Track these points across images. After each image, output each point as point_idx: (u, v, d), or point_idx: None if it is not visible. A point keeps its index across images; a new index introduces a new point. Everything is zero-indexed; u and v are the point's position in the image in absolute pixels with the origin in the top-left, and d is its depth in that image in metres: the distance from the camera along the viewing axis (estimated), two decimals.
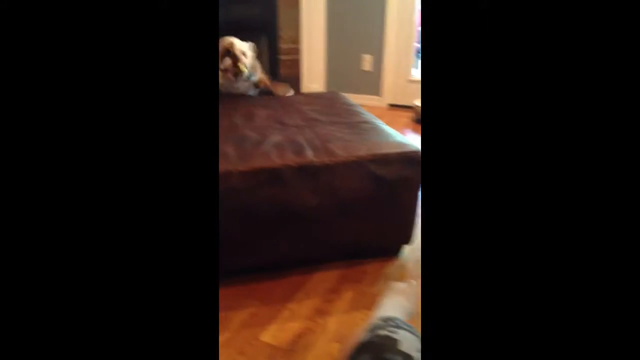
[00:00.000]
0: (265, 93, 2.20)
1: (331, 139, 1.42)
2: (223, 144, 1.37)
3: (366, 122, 1.59)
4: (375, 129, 1.52)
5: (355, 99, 2.28)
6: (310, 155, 1.28)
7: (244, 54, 1.95)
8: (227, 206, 1.19)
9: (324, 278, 1.37)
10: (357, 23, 3.21)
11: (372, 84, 3.44)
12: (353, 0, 3.13)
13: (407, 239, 1.44)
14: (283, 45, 2.97)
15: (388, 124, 1.67)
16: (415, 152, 1.33)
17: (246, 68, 1.96)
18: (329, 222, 1.31)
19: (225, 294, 1.31)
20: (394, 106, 3.44)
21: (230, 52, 1.92)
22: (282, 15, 2.89)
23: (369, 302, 1.25)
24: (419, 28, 3.95)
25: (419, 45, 3.25)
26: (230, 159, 1.26)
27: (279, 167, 1.22)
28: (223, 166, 1.20)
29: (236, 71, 1.93)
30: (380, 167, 1.29)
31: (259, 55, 2.16)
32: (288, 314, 1.22)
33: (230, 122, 1.62)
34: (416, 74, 3.34)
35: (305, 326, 1.18)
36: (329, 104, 1.87)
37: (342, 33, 3.32)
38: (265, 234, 1.27)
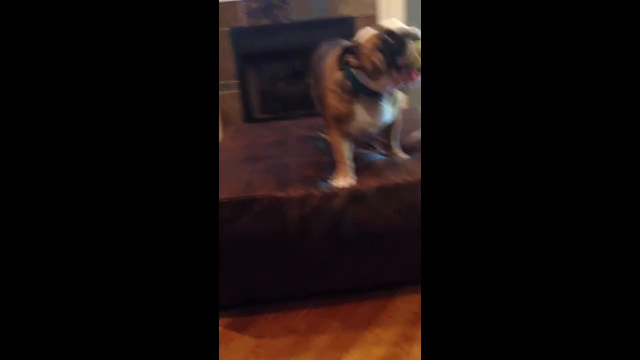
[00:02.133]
0: None
1: (409, 158, 1.38)
2: (303, 165, 1.39)
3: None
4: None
5: None
6: (390, 174, 1.25)
7: (408, 35, 1.06)
8: (308, 227, 1.20)
9: (410, 301, 1.31)
10: None
11: None
12: None
13: None
14: None
15: None
16: None
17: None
18: (413, 242, 1.25)
19: (305, 316, 1.31)
20: None
21: (394, 38, 1.06)
22: None
23: None
24: None
25: None
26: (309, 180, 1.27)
27: (359, 187, 1.21)
28: (303, 189, 1.22)
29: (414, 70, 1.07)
30: None
31: None
32: (372, 339, 1.18)
33: (299, 139, 1.65)
34: None
35: (392, 352, 1.13)
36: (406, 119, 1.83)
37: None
38: (348, 255, 1.25)
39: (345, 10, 2.86)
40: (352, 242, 1.23)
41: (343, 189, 1.22)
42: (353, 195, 1.20)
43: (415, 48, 1.05)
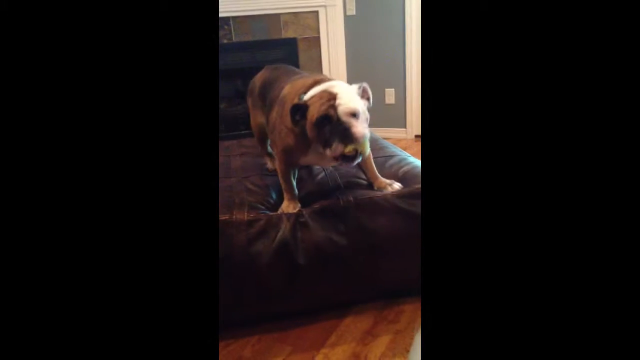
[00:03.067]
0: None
1: (355, 176, 1.40)
2: (247, 189, 1.37)
3: (392, 155, 1.57)
4: (402, 162, 1.49)
5: (380, 132, 2.28)
6: (334, 195, 1.26)
7: (354, 114, 1.05)
8: (255, 251, 1.18)
9: (359, 320, 1.32)
10: (377, 58, 3.25)
11: (396, 117, 3.44)
12: (372, 36, 3.19)
13: None
14: None
15: (415, 155, 1.65)
16: None
17: (368, 147, 1.08)
18: (360, 262, 1.27)
19: (256, 342, 1.27)
20: (420, 137, 3.42)
21: (333, 120, 1.04)
22: (303, 56, 2.97)
23: (408, 344, 1.19)
24: None
25: None
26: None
27: (304, 210, 1.21)
28: (248, 212, 1.20)
29: (351, 155, 1.04)
30: (410, 203, 1.26)
31: None
32: None
33: (243, 160, 1.64)
34: None
35: None
36: None
37: (363, 69, 3.36)
38: (298, 278, 1.24)
39: (288, 32, 2.91)
40: (301, 265, 1.22)
41: (288, 213, 1.22)
42: (298, 219, 1.20)
43: (359, 135, 1.02)
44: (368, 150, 1.08)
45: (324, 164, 1.30)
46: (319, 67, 3.08)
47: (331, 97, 1.05)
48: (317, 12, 2.91)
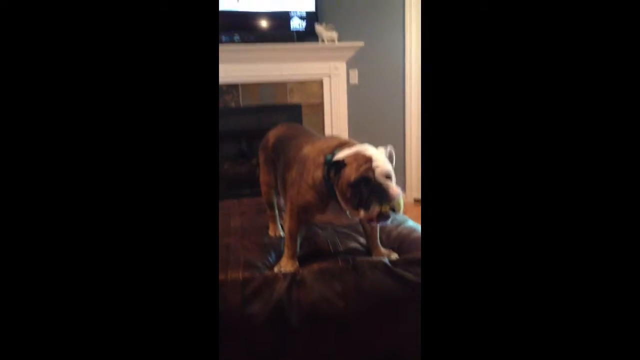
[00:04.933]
0: None
1: (354, 239, 1.40)
2: (245, 247, 1.37)
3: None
4: (400, 227, 1.49)
5: None
6: (332, 255, 1.25)
7: (389, 176, 1.09)
8: (249, 312, 1.15)
9: None
10: (378, 125, 3.36)
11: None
12: (373, 104, 3.32)
13: None
14: None
15: (414, 219, 1.65)
16: None
17: (402, 204, 1.10)
18: (355, 326, 1.23)
19: None
20: (419, 201, 3.44)
21: (371, 181, 1.06)
22: (307, 121, 3.07)
23: None
24: None
25: None
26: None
27: (301, 271, 1.19)
28: (244, 271, 1.18)
29: (387, 214, 1.07)
30: (408, 270, 1.24)
31: None
32: None
33: (243, 219, 1.64)
34: None
35: None
36: None
37: (364, 135, 3.47)
38: (293, 341, 1.20)
39: (293, 98, 3.04)
40: (297, 327, 1.18)
41: (285, 272, 1.20)
42: (295, 278, 1.18)
43: (395, 194, 1.06)
44: (402, 207, 1.10)
45: (340, 221, 1.29)
46: (321, 131, 3.18)
47: (367, 159, 1.09)
48: (321, 80, 3.06)
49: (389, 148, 1.19)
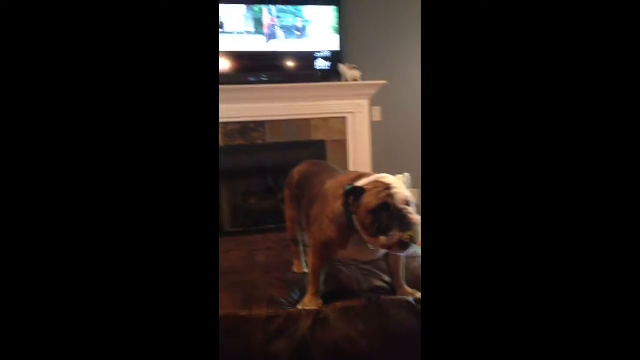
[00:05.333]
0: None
1: (378, 277, 1.39)
2: (270, 283, 1.38)
3: (415, 257, 1.57)
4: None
5: None
6: (355, 294, 1.25)
7: (408, 203, 1.10)
8: (273, 349, 1.15)
9: None
10: (400, 161, 3.38)
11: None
12: (396, 141, 3.36)
13: None
14: None
15: None
16: None
17: (420, 235, 1.08)
18: None
19: None
20: None
21: (391, 207, 1.07)
22: (331, 157, 3.13)
23: None
24: None
25: None
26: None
27: (324, 308, 1.20)
28: (268, 308, 1.20)
29: (407, 242, 1.06)
30: None
31: None
32: None
33: (268, 255, 1.66)
34: None
35: None
36: None
37: (386, 171, 3.48)
38: None
39: (317, 135, 3.11)
40: None
41: (308, 310, 1.21)
42: (318, 316, 1.19)
43: (415, 221, 1.05)
44: (420, 239, 1.07)
45: (362, 257, 1.29)
46: (345, 167, 3.22)
47: (386, 186, 1.10)
48: (344, 117, 3.13)
49: (407, 175, 1.20)
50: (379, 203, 1.07)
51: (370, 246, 1.17)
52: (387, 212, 1.06)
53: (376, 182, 1.13)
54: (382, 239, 1.06)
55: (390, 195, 1.07)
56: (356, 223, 1.13)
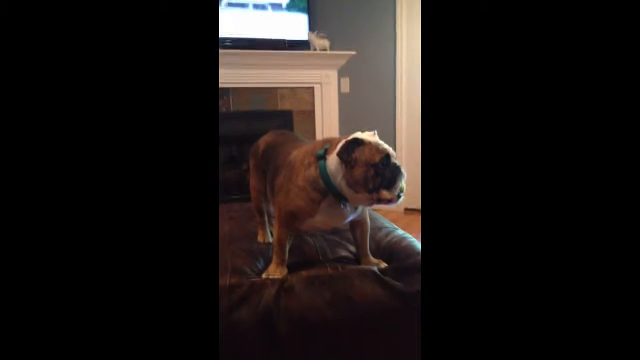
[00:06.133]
0: None
1: (344, 248, 1.39)
2: (233, 253, 1.35)
3: (381, 228, 1.58)
4: (390, 235, 1.49)
5: None
6: (321, 263, 1.24)
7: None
8: (236, 319, 1.13)
9: None
10: (368, 130, 3.38)
11: None
12: (364, 113, 3.34)
13: None
14: None
15: (404, 228, 1.65)
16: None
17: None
18: (344, 335, 1.21)
19: None
20: (410, 210, 3.45)
21: (392, 159, 1.09)
22: (298, 128, 3.07)
23: None
24: None
25: None
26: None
27: (289, 277, 1.18)
28: (231, 277, 1.17)
29: (400, 194, 1.09)
30: (398, 277, 1.24)
31: None
32: None
33: (232, 225, 1.62)
34: None
35: None
36: None
37: None
38: (281, 351, 1.18)
39: (284, 105, 3.04)
40: (285, 335, 1.16)
41: (273, 279, 1.18)
42: (283, 285, 1.17)
43: (402, 185, 1.08)
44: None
45: (330, 224, 1.26)
46: (312, 138, 3.18)
47: (375, 141, 1.10)
48: (312, 88, 3.06)
49: (375, 132, 1.19)
50: (382, 156, 1.06)
51: (353, 209, 1.18)
52: (388, 166, 1.07)
53: (362, 139, 1.11)
54: (385, 192, 1.06)
55: (387, 149, 1.08)
56: (346, 179, 1.09)
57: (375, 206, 1.15)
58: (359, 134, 1.14)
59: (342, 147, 1.09)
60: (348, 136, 1.14)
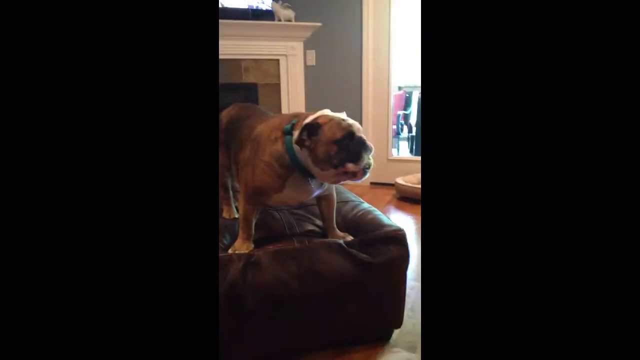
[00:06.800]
0: None
1: (310, 222, 1.39)
2: None
3: (347, 201, 1.59)
4: (356, 209, 1.50)
5: None
6: (288, 237, 1.24)
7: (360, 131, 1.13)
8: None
9: None
10: (335, 107, 3.36)
11: None
12: (330, 86, 3.31)
13: (397, 323, 1.36)
14: None
15: (370, 202, 1.67)
16: (399, 231, 1.30)
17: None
18: (311, 307, 1.23)
19: None
20: (375, 184, 3.49)
21: (355, 135, 1.08)
22: (263, 101, 3.01)
23: None
24: (396, 112, 4.16)
25: (395, 127, 3.38)
26: None
27: (255, 251, 1.17)
28: None
29: (367, 167, 1.09)
30: (364, 249, 1.25)
31: None
32: None
33: None
34: (396, 153, 3.44)
35: None
36: None
37: None
38: (249, 324, 1.18)
39: (249, 77, 2.96)
40: (252, 309, 1.16)
41: (239, 254, 1.18)
42: (249, 259, 1.16)
43: (372, 146, 1.09)
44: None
45: (297, 199, 1.27)
46: (278, 112, 3.13)
47: (341, 118, 1.10)
48: (277, 60, 3.00)
49: (344, 113, 1.19)
50: (344, 133, 1.07)
51: (319, 184, 1.18)
52: (352, 141, 1.07)
53: (327, 116, 1.11)
54: (351, 166, 1.07)
55: (350, 125, 1.08)
56: (311, 158, 1.10)
57: (342, 182, 1.15)
58: (326, 112, 1.13)
59: (299, 135, 1.09)
60: (316, 112, 1.13)
